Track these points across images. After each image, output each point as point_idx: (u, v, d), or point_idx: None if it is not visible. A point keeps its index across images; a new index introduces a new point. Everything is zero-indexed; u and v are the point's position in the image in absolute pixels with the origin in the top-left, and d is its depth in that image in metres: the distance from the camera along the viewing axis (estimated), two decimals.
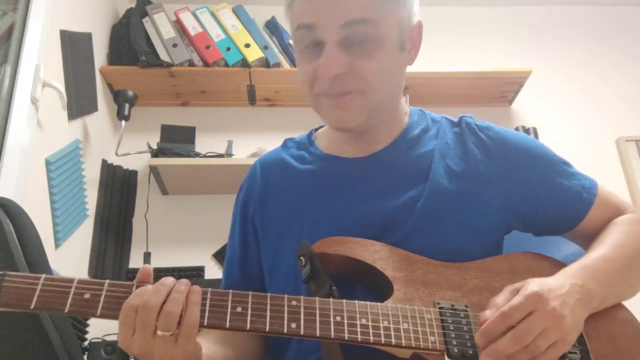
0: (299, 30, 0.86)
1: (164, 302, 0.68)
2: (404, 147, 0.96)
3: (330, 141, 1.01)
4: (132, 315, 0.68)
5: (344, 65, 0.83)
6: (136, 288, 0.71)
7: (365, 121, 0.89)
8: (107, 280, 0.72)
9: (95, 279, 0.73)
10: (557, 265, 0.90)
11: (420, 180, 0.91)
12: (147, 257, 2.17)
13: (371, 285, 0.85)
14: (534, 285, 0.75)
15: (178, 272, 2.13)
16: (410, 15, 0.90)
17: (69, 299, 0.69)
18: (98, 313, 0.69)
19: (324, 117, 0.92)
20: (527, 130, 2.42)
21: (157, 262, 2.16)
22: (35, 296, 0.69)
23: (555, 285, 0.76)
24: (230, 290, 0.73)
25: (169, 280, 0.71)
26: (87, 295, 0.70)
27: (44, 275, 0.70)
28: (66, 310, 0.68)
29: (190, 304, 0.69)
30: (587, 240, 0.95)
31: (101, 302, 0.70)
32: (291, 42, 1.01)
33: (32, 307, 0.68)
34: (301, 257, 0.83)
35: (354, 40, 0.83)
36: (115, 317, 0.69)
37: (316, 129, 1.08)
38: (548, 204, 0.94)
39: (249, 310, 0.71)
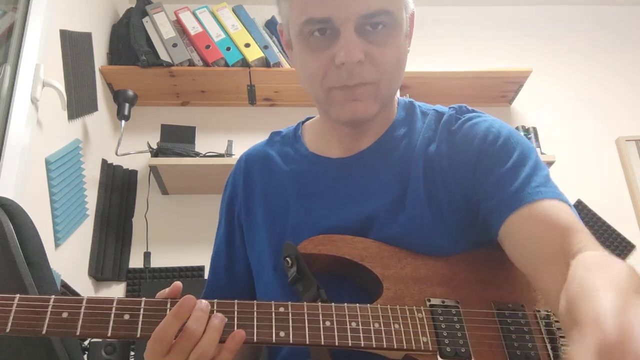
0: (307, 24, 0.81)
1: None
2: (387, 147, 0.93)
3: (316, 137, 0.99)
4: (166, 345, 0.66)
5: (363, 52, 0.80)
6: (117, 303, 0.68)
7: (377, 112, 0.86)
8: (85, 296, 0.69)
9: (73, 296, 0.69)
10: None
11: (400, 182, 0.88)
12: (147, 257, 2.17)
13: (360, 282, 0.83)
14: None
15: (178, 272, 2.13)
16: (410, 5, 0.88)
17: (46, 320, 0.66)
18: (78, 332, 0.66)
19: (335, 112, 0.86)
20: (527, 130, 2.42)
21: (157, 262, 2.17)
22: (11, 318, 0.65)
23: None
24: (215, 300, 0.71)
25: (203, 304, 0.69)
26: (65, 315, 0.67)
27: (18, 296, 0.67)
28: (44, 332, 0.65)
29: (226, 350, 0.68)
30: (509, 249, 0.80)
31: (80, 321, 0.67)
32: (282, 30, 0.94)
33: (7, 330, 0.65)
34: (287, 258, 0.81)
35: (370, 29, 0.81)
36: (97, 336, 0.67)
37: (304, 121, 1.05)
38: (487, 193, 0.83)
39: (235, 320, 0.70)
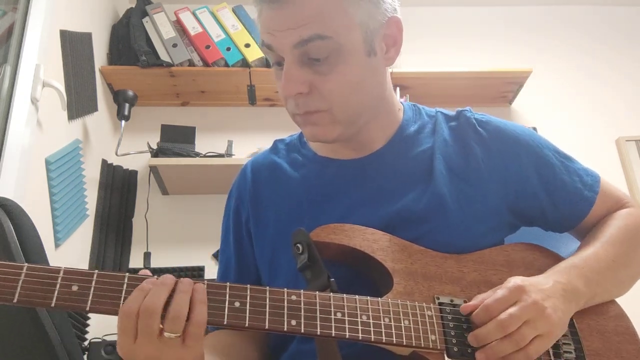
0: (262, 47, 0.85)
1: (167, 303, 0.65)
2: (402, 146, 0.93)
3: None
4: (132, 321, 0.63)
5: (303, 83, 0.81)
6: (128, 279, 0.67)
7: (342, 133, 0.86)
8: (96, 271, 0.66)
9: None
10: (551, 256, 0.90)
11: (421, 180, 0.88)
12: (147, 257, 2.17)
13: (369, 273, 0.83)
14: (516, 279, 0.76)
15: (178, 272, 2.13)
16: (377, 15, 0.83)
17: (56, 292, 0.64)
18: (88, 307, 0.64)
19: (303, 133, 0.90)
20: None
21: (157, 262, 2.16)
22: (18, 289, 0.63)
23: (538, 280, 0.77)
24: (228, 283, 0.69)
25: (169, 278, 0.67)
26: (75, 288, 0.64)
27: (26, 265, 0.64)
28: (53, 305, 0.63)
29: (197, 302, 0.66)
30: (585, 235, 0.94)
31: (90, 296, 0.65)
32: None
33: (14, 300, 0.63)
34: (298, 244, 0.80)
35: (312, 57, 0.80)
36: (106, 312, 0.64)
37: None
38: (547, 202, 0.92)
39: (248, 305, 0.68)
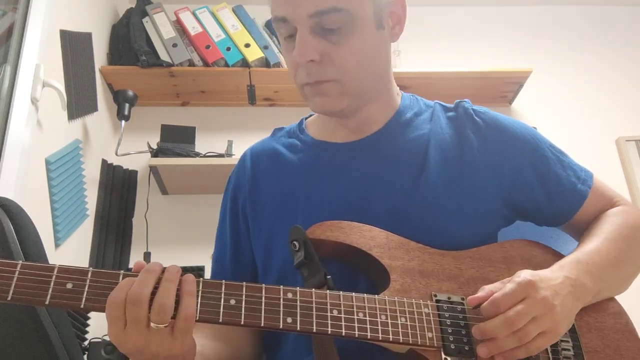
0: (274, 22, 0.86)
1: (155, 292, 0.65)
2: (398, 131, 0.94)
3: (321, 127, 1.00)
4: (120, 310, 0.63)
5: (317, 51, 0.83)
6: (123, 277, 0.66)
7: (349, 105, 0.89)
8: (91, 269, 0.66)
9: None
10: (550, 253, 0.90)
11: (415, 165, 0.90)
12: (147, 257, 2.17)
13: (366, 270, 0.83)
14: (526, 273, 0.75)
15: None
16: None
17: (50, 290, 0.64)
18: (82, 305, 0.64)
19: (310, 105, 0.91)
20: None
21: (157, 262, 2.16)
22: (12, 286, 0.63)
23: (548, 276, 0.77)
24: (223, 281, 0.69)
25: (156, 266, 0.67)
26: (69, 285, 0.64)
27: (20, 262, 0.64)
28: (47, 302, 0.63)
29: (185, 294, 0.66)
30: (579, 232, 0.95)
31: (85, 294, 0.65)
32: None
33: (8, 298, 0.63)
34: (294, 242, 0.81)
35: (325, 28, 0.82)
36: (101, 310, 0.65)
37: (306, 118, 1.07)
38: (541, 195, 0.93)
39: (243, 303, 0.69)
